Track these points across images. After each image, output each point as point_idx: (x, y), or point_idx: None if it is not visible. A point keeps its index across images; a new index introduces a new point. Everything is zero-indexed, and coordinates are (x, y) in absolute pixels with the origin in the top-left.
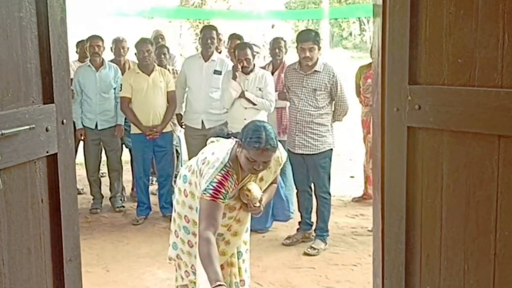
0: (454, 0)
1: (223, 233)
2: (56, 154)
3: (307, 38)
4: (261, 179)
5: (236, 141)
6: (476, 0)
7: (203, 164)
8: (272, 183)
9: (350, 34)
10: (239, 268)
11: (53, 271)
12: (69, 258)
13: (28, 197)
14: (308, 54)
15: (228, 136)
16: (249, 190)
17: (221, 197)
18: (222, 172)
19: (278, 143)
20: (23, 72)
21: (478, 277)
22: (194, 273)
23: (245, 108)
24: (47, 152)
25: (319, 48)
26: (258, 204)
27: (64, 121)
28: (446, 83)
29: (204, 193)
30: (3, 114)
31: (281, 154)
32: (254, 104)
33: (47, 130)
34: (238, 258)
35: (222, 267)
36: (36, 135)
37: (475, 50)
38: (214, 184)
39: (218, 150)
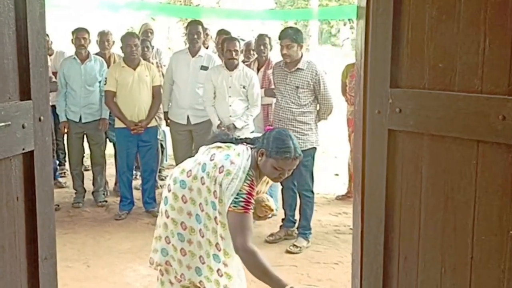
0: (436, 4)
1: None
2: (32, 151)
3: (285, 36)
4: (267, 182)
5: (253, 148)
6: (458, 5)
7: (220, 173)
8: None
9: (339, 31)
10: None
11: (28, 270)
12: (44, 257)
13: (3, 194)
14: (285, 51)
15: (237, 141)
16: (271, 209)
17: (252, 207)
18: (248, 182)
19: None
20: None
21: (454, 281)
22: (188, 280)
23: (230, 96)
24: (23, 149)
25: (300, 46)
26: (270, 216)
27: (42, 118)
28: (427, 87)
29: (235, 206)
30: None
31: None
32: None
33: (23, 127)
34: None
35: None
36: (12, 132)
37: (456, 55)
38: (244, 196)
39: (236, 158)
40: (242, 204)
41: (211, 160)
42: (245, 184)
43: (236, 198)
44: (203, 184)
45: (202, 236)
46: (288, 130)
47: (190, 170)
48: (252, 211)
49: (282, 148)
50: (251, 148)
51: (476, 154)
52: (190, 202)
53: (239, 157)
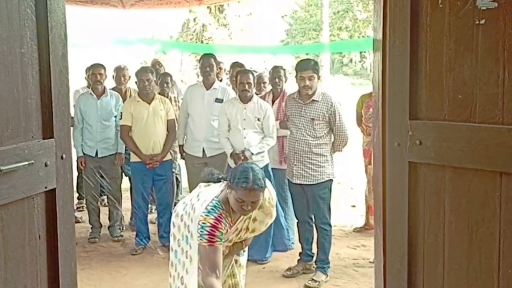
0: (454, 36)
1: None
2: (54, 189)
3: (306, 67)
4: (255, 219)
5: (226, 183)
6: (476, 36)
7: (191, 209)
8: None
9: (351, 60)
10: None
11: None
12: None
13: (26, 233)
14: (307, 82)
15: (218, 180)
16: (241, 266)
17: (218, 239)
18: (215, 214)
19: (268, 183)
20: (23, 107)
21: None
22: None
23: (244, 129)
24: (46, 187)
25: (318, 77)
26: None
27: (64, 156)
28: (447, 118)
29: (201, 239)
30: (2, 150)
31: (271, 194)
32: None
33: (46, 165)
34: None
35: None
36: (35, 170)
37: (476, 86)
38: (208, 229)
39: (205, 194)
40: (206, 237)
41: (190, 200)
42: (210, 217)
43: (201, 230)
44: (181, 221)
45: (175, 270)
46: (254, 164)
47: (177, 209)
48: (220, 243)
49: (240, 179)
50: (226, 183)
51: (499, 185)
52: (172, 237)
53: (209, 193)
